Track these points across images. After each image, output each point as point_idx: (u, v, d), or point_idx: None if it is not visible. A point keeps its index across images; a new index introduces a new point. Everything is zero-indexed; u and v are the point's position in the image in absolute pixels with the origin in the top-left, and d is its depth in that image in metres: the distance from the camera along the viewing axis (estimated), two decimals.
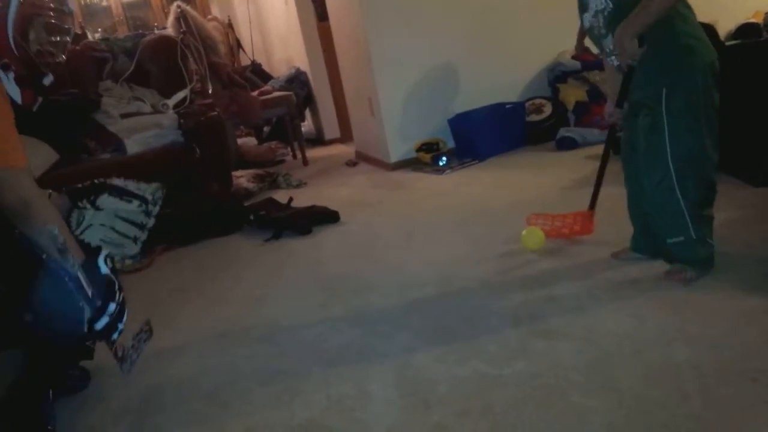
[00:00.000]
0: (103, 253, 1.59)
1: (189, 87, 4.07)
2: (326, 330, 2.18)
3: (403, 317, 2.15)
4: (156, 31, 5.47)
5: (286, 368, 1.96)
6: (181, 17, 4.92)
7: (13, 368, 1.38)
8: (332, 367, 1.93)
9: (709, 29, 3.96)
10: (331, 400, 1.75)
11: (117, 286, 1.60)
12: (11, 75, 1.54)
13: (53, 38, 1.68)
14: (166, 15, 6.37)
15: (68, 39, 1.69)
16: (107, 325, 1.54)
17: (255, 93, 5.57)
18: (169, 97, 4.03)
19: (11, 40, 1.45)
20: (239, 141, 5.99)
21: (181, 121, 3.75)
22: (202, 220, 3.55)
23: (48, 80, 1.67)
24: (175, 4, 5.21)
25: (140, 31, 5.47)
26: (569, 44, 4.25)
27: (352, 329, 2.15)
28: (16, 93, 1.54)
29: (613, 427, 1.44)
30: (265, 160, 5.60)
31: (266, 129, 6.40)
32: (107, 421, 1.85)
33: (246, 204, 3.94)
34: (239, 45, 6.65)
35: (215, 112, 3.90)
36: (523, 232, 2.54)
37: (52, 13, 1.62)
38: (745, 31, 4.76)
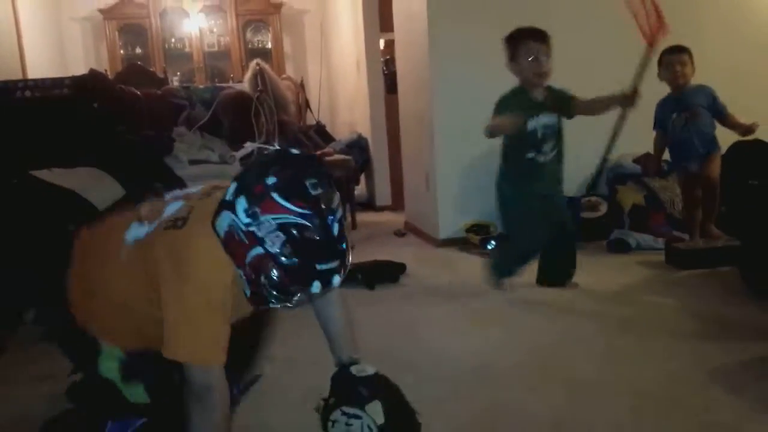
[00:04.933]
0: None
1: (258, 142, 4.24)
2: None
3: (438, 403, 2.11)
4: (232, 83, 5.75)
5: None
6: (259, 75, 5.17)
7: None
8: None
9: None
10: None
11: None
12: None
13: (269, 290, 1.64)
14: (243, 69, 6.68)
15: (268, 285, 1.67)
16: None
17: (316, 153, 5.72)
18: (237, 149, 4.19)
19: (246, 270, 1.50)
20: None
21: None
22: None
23: None
24: (254, 61, 5.50)
25: (218, 83, 5.76)
26: (631, 147, 4.32)
27: None
28: None
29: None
30: None
31: None
32: None
33: None
34: (307, 104, 6.89)
35: None
36: None
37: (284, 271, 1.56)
38: None
